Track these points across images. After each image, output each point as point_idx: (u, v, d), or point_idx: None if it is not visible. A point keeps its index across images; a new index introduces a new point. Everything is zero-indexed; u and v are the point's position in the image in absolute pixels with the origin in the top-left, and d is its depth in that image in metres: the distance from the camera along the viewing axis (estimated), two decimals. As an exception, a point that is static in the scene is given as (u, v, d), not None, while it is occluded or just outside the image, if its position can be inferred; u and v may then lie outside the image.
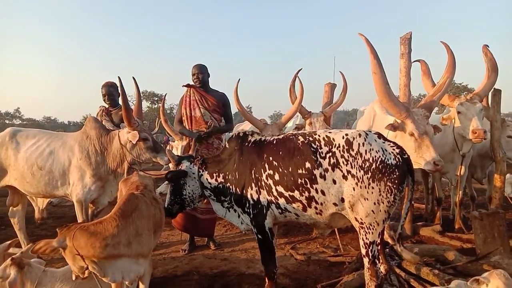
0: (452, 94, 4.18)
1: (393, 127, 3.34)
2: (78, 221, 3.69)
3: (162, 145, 4.24)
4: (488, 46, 4.00)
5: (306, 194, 2.56)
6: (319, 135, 2.64)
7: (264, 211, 2.74)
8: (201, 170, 2.99)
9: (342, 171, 2.47)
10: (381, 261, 2.55)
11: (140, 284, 2.53)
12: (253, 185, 2.75)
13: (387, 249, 3.37)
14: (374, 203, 2.40)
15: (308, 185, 2.54)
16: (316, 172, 2.52)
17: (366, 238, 2.49)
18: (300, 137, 2.69)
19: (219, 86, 4.81)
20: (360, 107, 6.49)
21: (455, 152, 4.32)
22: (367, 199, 2.40)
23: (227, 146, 2.99)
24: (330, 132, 2.64)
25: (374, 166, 2.40)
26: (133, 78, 3.99)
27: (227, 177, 2.89)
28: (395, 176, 2.38)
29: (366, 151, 2.45)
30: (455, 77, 3.85)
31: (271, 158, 2.71)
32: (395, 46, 4.48)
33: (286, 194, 2.63)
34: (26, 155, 3.76)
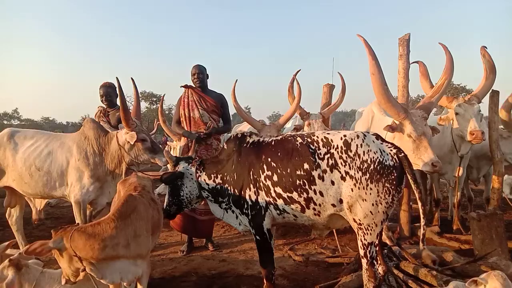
0: (450, 96, 4.19)
1: (391, 128, 3.34)
2: (76, 222, 3.69)
3: (160, 145, 4.24)
4: (486, 48, 4.01)
5: (305, 195, 2.57)
6: (317, 136, 2.64)
7: (263, 212, 2.74)
8: (198, 171, 2.99)
9: (340, 172, 2.48)
10: (379, 262, 2.55)
11: (138, 285, 2.52)
12: (251, 186, 2.75)
13: (386, 250, 3.37)
14: (372, 204, 2.40)
15: (307, 186, 2.54)
16: (315, 173, 2.52)
17: (365, 239, 2.49)
18: (298, 138, 2.70)
19: (218, 87, 4.82)
20: (359, 108, 6.49)
21: (454, 153, 4.33)
22: (365, 200, 2.41)
23: (225, 147, 2.99)
24: (328, 133, 2.64)
25: (372, 167, 2.40)
26: (132, 79, 3.99)
27: (225, 178, 2.89)
28: (393, 177, 2.39)
29: (364, 152, 2.45)
30: (453, 78, 3.86)
31: (269, 159, 2.71)
32: (393, 47, 4.50)
33: (285, 195, 2.63)
34: (24, 156, 3.75)
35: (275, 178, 2.65)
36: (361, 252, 2.53)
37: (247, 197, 2.76)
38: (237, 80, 4.96)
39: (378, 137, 2.58)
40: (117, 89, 3.79)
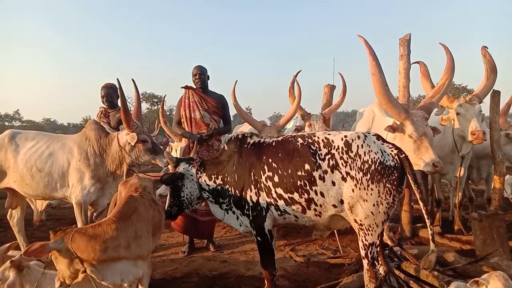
0: (451, 96, 4.18)
1: (392, 128, 3.34)
2: (78, 223, 3.69)
3: (161, 146, 4.24)
4: (487, 48, 4.00)
5: (306, 196, 2.56)
6: (318, 137, 2.64)
7: (264, 213, 2.74)
8: (199, 172, 2.99)
9: (341, 172, 2.48)
10: (380, 262, 2.55)
11: (139, 286, 2.52)
12: (252, 187, 2.75)
13: (387, 251, 3.37)
14: (373, 205, 2.40)
15: (308, 187, 2.54)
16: (315, 174, 2.52)
17: (366, 240, 2.49)
18: (299, 139, 2.70)
19: (218, 87, 4.82)
20: (360, 108, 6.50)
21: (455, 154, 4.32)
22: (366, 200, 2.41)
23: (225, 148, 2.99)
24: (329, 134, 2.64)
25: (373, 167, 2.40)
26: (132, 80, 4.00)
27: (225, 179, 2.89)
28: (394, 177, 2.39)
29: (365, 152, 2.45)
30: (454, 78, 3.86)
31: (270, 160, 2.71)
32: (394, 48, 4.49)
33: (286, 196, 2.63)
34: (25, 157, 3.76)
35: (276, 179, 2.65)
36: (362, 252, 2.53)
37: (248, 198, 2.76)
38: (237, 80, 4.98)
39: (379, 137, 2.58)
40: (118, 90, 3.79)
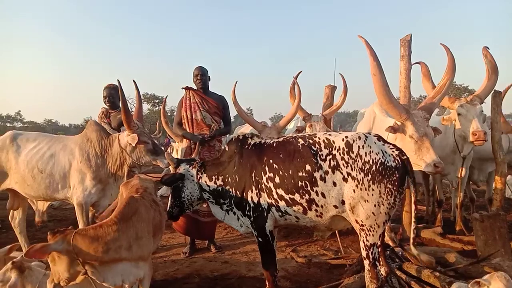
0: (452, 96, 4.17)
1: (393, 129, 3.33)
2: (79, 224, 3.70)
3: (163, 147, 4.25)
4: (488, 48, 4.00)
5: (307, 196, 2.56)
6: (319, 138, 2.64)
7: (265, 214, 2.74)
8: (199, 173, 2.99)
9: (342, 173, 2.48)
10: (381, 263, 2.55)
11: (140, 287, 2.53)
12: (253, 188, 2.75)
13: (388, 252, 3.37)
14: (375, 205, 2.40)
15: (309, 188, 2.54)
16: (317, 175, 2.52)
17: (367, 240, 2.49)
18: (300, 140, 2.70)
19: (219, 87, 4.82)
20: (361, 109, 6.50)
21: (456, 154, 4.32)
22: (368, 201, 2.41)
23: (226, 149, 2.99)
24: (330, 135, 2.64)
25: (374, 168, 2.40)
26: (133, 81, 4.01)
27: (226, 180, 2.89)
28: (395, 178, 2.39)
29: (366, 153, 2.45)
30: (456, 78, 3.85)
31: (271, 161, 2.71)
32: (395, 48, 4.49)
33: (287, 197, 2.63)
34: (26, 158, 3.76)
35: (277, 179, 2.65)
36: (363, 253, 2.53)
37: (249, 199, 2.76)
38: (237, 81, 4.98)
39: (379, 138, 2.58)
40: (119, 91, 3.80)
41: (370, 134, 2.61)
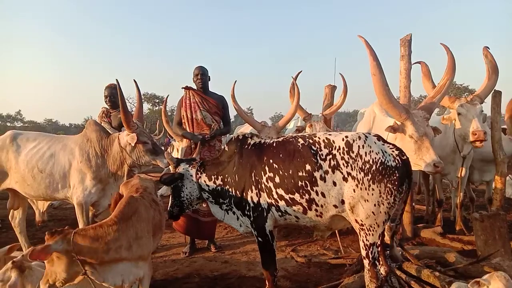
0: (452, 96, 4.18)
1: (393, 129, 3.34)
2: (79, 224, 3.70)
3: (163, 147, 4.25)
4: (488, 48, 4.00)
5: (307, 196, 2.56)
6: (319, 138, 2.64)
7: (265, 214, 2.74)
8: (199, 173, 2.99)
9: (342, 173, 2.48)
10: (381, 263, 2.55)
11: (140, 287, 2.53)
12: (253, 187, 2.75)
13: (388, 251, 3.37)
14: (374, 205, 2.40)
15: (309, 188, 2.54)
16: (316, 174, 2.52)
17: (367, 240, 2.49)
18: (300, 140, 2.70)
19: (220, 88, 4.83)
20: (361, 109, 6.50)
21: (456, 154, 4.32)
22: (367, 200, 2.41)
23: (226, 149, 2.99)
24: (330, 135, 2.64)
25: (374, 168, 2.40)
26: (134, 80, 4.02)
27: (226, 180, 2.89)
28: (395, 177, 2.39)
29: (366, 153, 2.45)
30: (456, 78, 3.85)
31: (271, 161, 2.71)
32: (395, 48, 4.49)
33: (287, 196, 2.63)
34: (26, 158, 3.77)
35: (277, 179, 2.65)
36: (363, 252, 2.53)
37: (249, 198, 2.76)
38: (236, 81, 4.99)
39: (379, 138, 2.58)
40: (117, 90, 3.80)
41: (370, 134, 2.61)
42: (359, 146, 2.48)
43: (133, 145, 3.65)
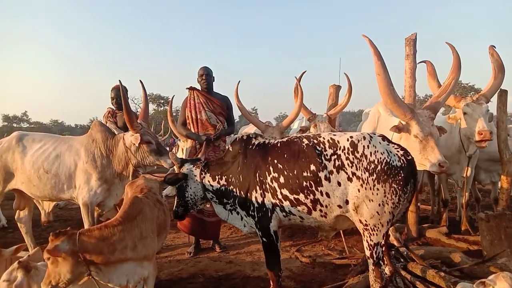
0: (458, 95, 4.16)
1: (398, 128, 3.32)
2: (84, 224, 3.72)
3: (168, 147, 4.26)
4: (494, 47, 3.98)
5: (311, 196, 2.56)
6: (323, 138, 2.63)
7: (269, 214, 2.74)
8: (203, 173, 3.00)
9: (347, 173, 2.47)
10: (386, 262, 2.54)
11: (145, 287, 2.54)
12: (257, 188, 2.75)
13: (393, 252, 3.36)
14: (379, 205, 2.39)
15: (313, 188, 2.54)
16: (321, 175, 2.51)
17: (371, 240, 2.48)
18: (304, 140, 2.69)
19: (224, 88, 4.83)
20: (366, 108, 6.48)
21: (462, 153, 4.30)
22: (372, 200, 2.40)
23: (230, 149, 2.99)
24: (334, 135, 2.64)
25: (379, 167, 2.39)
26: (140, 81, 4.04)
27: (230, 180, 2.89)
28: (400, 177, 2.38)
29: (371, 153, 2.44)
30: (462, 77, 3.83)
31: (275, 161, 2.71)
32: (400, 47, 4.47)
33: (291, 197, 2.63)
34: (32, 158, 3.79)
35: (281, 180, 2.65)
36: (367, 252, 2.52)
37: (253, 199, 2.76)
38: (239, 81, 5.00)
39: (384, 138, 2.57)
40: (121, 91, 3.82)
41: (375, 134, 2.61)
42: (364, 146, 2.47)
43: (137, 145, 3.67)
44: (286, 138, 2.86)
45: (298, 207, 2.63)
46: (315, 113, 5.21)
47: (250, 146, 2.88)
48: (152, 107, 42.14)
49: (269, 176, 2.70)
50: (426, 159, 3.16)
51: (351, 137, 2.55)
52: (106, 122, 4.69)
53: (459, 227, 4.77)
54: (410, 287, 3.00)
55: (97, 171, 3.73)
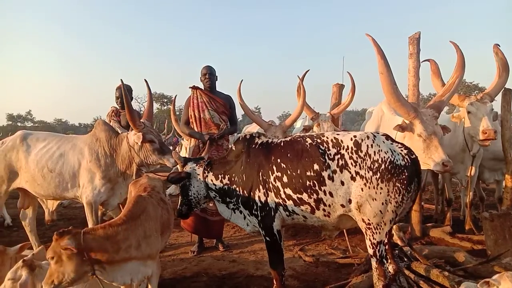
0: (462, 94, 4.14)
1: (401, 127, 3.31)
2: (88, 223, 3.73)
3: (171, 146, 4.27)
4: (499, 45, 3.96)
5: (315, 196, 2.56)
6: (327, 137, 2.63)
7: (272, 214, 2.74)
8: (206, 172, 3.00)
9: (350, 172, 2.47)
10: (389, 261, 2.54)
11: (149, 285, 2.54)
12: (260, 187, 2.75)
13: (397, 251, 3.35)
14: (382, 203, 2.39)
15: (317, 187, 2.54)
16: (325, 174, 2.51)
17: (374, 238, 2.47)
18: (308, 139, 2.69)
19: (227, 87, 4.83)
20: (370, 107, 6.46)
21: (466, 153, 4.28)
22: (375, 199, 2.39)
23: (233, 148, 2.99)
24: (338, 134, 2.63)
25: (383, 166, 2.39)
26: (145, 80, 4.06)
27: (233, 179, 2.89)
28: (404, 176, 2.37)
29: (375, 152, 2.44)
30: (466, 76, 3.82)
31: (279, 160, 2.70)
32: (404, 46, 4.46)
33: (294, 196, 2.63)
34: (36, 157, 3.81)
35: (285, 179, 2.65)
36: (370, 251, 2.51)
37: (256, 198, 2.76)
38: (242, 80, 4.99)
39: (388, 137, 2.57)
40: (122, 90, 3.83)
41: (378, 133, 2.60)
42: (367, 146, 2.47)
43: (139, 144, 3.68)
44: (290, 138, 2.86)
45: (301, 206, 2.63)
46: (318, 112, 5.19)
47: (253, 145, 2.88)
48: (155, 106, 42.13)
49: (272, 175, 2.70)
50: (429, 158, 3.15)
51: (355, 136, 2.55)
52: (110, 121, 4.71)
53: (463, 226, 4.75)
54: (413, 286, 2.99)
55: (101, 170, 3.74)
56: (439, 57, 4.42)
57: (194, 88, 4.64)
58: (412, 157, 2.44)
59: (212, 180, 2.97)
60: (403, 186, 2.37)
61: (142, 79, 4.04)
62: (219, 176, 2.95)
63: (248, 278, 3.64)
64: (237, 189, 2.86)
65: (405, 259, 3.32)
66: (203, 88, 4.67)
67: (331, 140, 2.59)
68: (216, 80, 4.75)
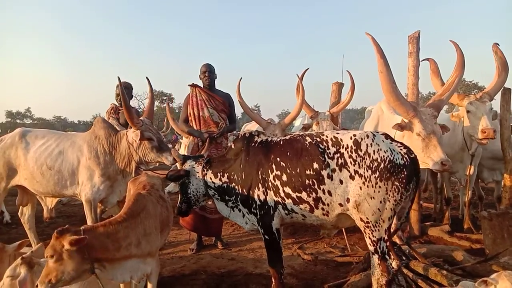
0: (461, 93, 4.14)
1: (400, 126, 3.31)
2: (87, 220, 3.73)
3: (171, 144, 4.27)
4: (498, 45, 3.96)
5: (314, 195, 2.56)
6: (326, 136, 2.63)
7: (271, 212, 2.74)
8: (205, 170, 3.00)
9: (349, 171, 2.47)
10: (392, 256, 2.54)
11: (148, 283, 2.55)
12: (260, 185, 2.75)
13: (395, 249, 3.35)
14: (380, 202, 2.40)
15: (316, 186, 2.54)
16: (324, 173, 2.51)
17: (373, 236, 2.48)
18: (307, 138, 2.69)
19: (227, 85, 4.82)
20: (369, 106, 6.46)
21: (465, 152, 4.29)
22: (374, 198, 2.40)
23: (232, 146, 2.99)
24: (337, 133, 2.63)
25: (382, 165, 2.39)
26: (147, 78, 4.06)
27: (232, 177, 2.89)
28: (403, 175, 2.38)
29: (374, 151, 2.44)
30: (465, 75, 3.82)
31: (278, 159, 2.70)
32: (403, 45, 4.46)
33: (294, 195, 2.63)
34: (35, 155, 3.80)
35: (284, 178, 2.65)
36: (371, 248, 2.51)
37: (255, 196, 2.77)
38: (241, 77, 4.98)
39: (387, 136, 2.57)
40: (119, 88, 3.83)
41: (378, 132, 2.60)
42: (367, 145, 2.47)
43: (138, 141, 3.67)
44: (289, 136, 2.86)
45: (300, 205, 2.64)
46: (318, 111, 5.19)
47: (253, 144, 2.88)
48: (155, 103, 42.06)
49: (271, 174, 2.70)
50: (428, 158, 3.15)
51: (354, 135, 2.55)
52: (109, 118, 4.71)
53: (462, 225, 4.76)
54: (412, 285, 3.00)
55: (100, 168, 3.74)
56: (438, 56, 4.42)
57: (193, 86, 4.64)
58: (411, 156, 2.44)
59: (211, 178, 2.97)
60: (401, 185, 2.38)
61: (142, 76, 4.08)
62: (218, 174, 2.95)
63: (246, 276, 3.64)
64: (236, 187, 2.86)
65: (404, 258, 3.32)
66: (202, 86, 4.66)
67: (331, 139, 2.60)
68: (216, 78, 4.74)
